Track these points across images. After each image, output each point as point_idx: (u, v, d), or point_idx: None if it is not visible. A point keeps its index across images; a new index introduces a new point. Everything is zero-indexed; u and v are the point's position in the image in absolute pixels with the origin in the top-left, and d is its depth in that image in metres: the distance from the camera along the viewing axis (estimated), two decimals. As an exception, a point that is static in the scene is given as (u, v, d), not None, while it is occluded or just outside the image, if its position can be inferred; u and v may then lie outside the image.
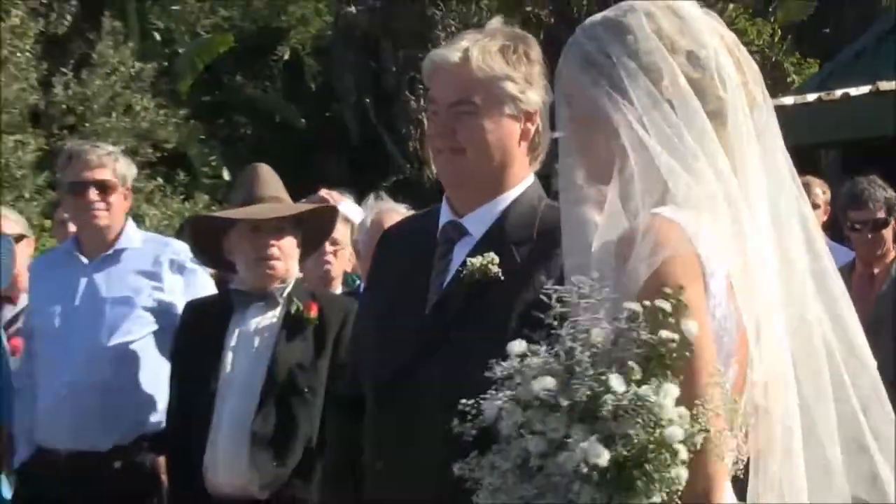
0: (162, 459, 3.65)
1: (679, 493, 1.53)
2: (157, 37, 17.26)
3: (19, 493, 3.95)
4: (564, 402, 1.51)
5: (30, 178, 10.84)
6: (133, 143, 12.51)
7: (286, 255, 3.39)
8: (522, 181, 2.47)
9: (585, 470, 1.48)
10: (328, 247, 3.97)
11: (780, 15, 18.26)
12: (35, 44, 12.69)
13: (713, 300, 1.64)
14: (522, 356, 1.57)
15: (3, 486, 4.02)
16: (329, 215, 3.60)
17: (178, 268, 3.81)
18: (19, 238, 4.65)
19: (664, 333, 1.52)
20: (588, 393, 1.51)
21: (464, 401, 1.60)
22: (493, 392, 1.57)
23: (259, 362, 3.33)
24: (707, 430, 1.52)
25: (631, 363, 1.52)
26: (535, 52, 2.45)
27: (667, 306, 1.53)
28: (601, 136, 1.76)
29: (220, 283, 4.09)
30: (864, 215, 5.01)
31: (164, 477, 3.65)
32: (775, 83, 16.37)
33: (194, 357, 3.43)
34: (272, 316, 3.39)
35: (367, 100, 17.12)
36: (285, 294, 3.40)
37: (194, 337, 3.46)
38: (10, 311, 4.61)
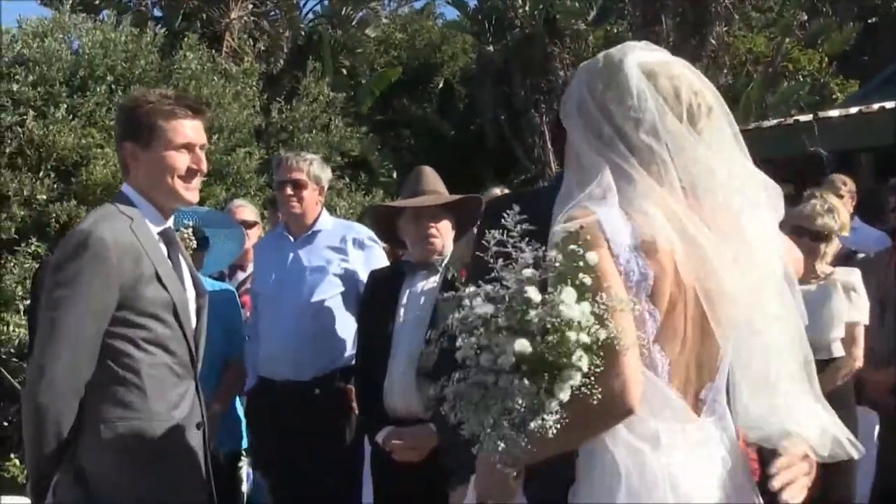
0: (350, 388, 3.66)
1: (593, 385, 1.49)
2: (345, 72, 17.51)
3: (248, 411, 4.04)
4: (502, 323, 1.52)
5: (254, 179, 11.10)
6: (327, 152, 12.70)
7: (443, 234, 3.36)
8: None
9: (514, 360, 1.49)
10: None
11: (826, 45, 17.42)
12: (258, 80, 13.01)
13: (616, 258, 1.61)
14: (472, 295, 1.58)
15: (238, 405, 4.12)
16: (476, 204, 3.54)
17: (360, 244, 3.82)
18: (253, 224, 4.78)
19: (569, 262, 1.55)
20: (517, 307, 1.52)
21: (430, 331, 1.65)
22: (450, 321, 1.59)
23: (423, 315, 3.30)
24: (606, 326, 1.51)
25: (549, 288, 1.54)
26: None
27: (576, 247, 1.56)
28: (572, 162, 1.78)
29: (391, 256, 4.08)
30: None
31: (352, 401, 3.66)
32: (823, 100, 15.60)
33: (377, 312, 3.43)
34: (433, 281, 3.36)
35: (502, 116, 17.01)
36: (443, 264, 3.37)
37: (376, 297, 3.47)
38: (241, 276, 4.73)
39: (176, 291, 2.42)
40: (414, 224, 3.35)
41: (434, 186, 3.44)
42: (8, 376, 6.73)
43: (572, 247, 1.56)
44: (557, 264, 1.56)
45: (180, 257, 2.56)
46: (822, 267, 4.20)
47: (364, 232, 3.89)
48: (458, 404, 1.57)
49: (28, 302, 6.85)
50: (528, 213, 1.60)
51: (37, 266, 6.88)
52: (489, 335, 1.53)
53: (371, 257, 3.82)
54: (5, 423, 7.95)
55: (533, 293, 1.52)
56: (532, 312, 1.51)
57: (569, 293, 1.51)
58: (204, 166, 2.49)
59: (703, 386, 1.72)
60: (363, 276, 3.70)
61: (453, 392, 1.58)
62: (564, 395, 1.50)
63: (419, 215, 3.34)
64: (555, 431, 1.51)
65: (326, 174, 3.96)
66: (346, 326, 3.73)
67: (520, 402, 1.50)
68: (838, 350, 4.09)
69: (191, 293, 2.54)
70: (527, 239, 1.58)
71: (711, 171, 1.72)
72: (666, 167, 1.70)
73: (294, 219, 3.85)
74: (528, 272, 1.55)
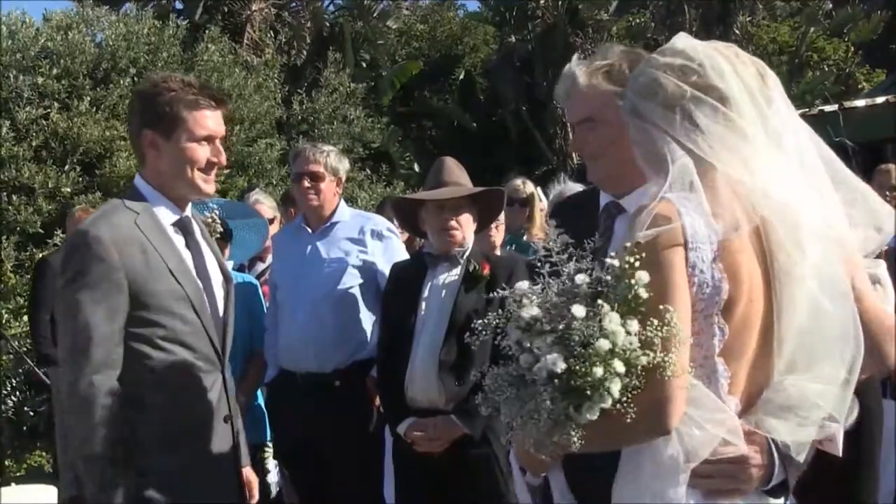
0: (372, 379, 3.65)
1: (629, 405, 1.49)
2: (366, 64, 17.52)
3: (268, 402, 4.05)
4: (547, 328, 1.54)
5: (276, 170, 11.15)
6: (348, 143, 12.74)
7: (464, 226, 3.34)
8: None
9: (545, 375, 1.50)
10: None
11: (853, 35, 17.20)
12: (280, 72, 13.06)
13: (692, 269, 1.57)
14: (524, 294, 1.59)
15: (259, 396, 4.14)
16: (497, 197, 3.52)
17: (378, 236, 3.80)
18: (271, 220, 4.79)
19: (631, 278, 1.53)
20: (563, 321, 1.53)
21: (476, 321, 1.63)
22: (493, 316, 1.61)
23: (445, 307, 3.30)
24: (649, 353, 1.50)
25: (600, 301, 1.53)
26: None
27: (631, 260, 1.54)
28: (643, 153, 1.79)
29: (408, 246, 4.08)
30: None
31: (373, 393, 3.65)
32: (849, 90, 15.41)
33: (399, 304, 3.42)
34: (455, 273, 3.35)
35: (524, 108, 16.95)
36: (464, 256, 3.35)
37: (399, 289, 3.46)
38: (260, 267, 4.75)
39: (190, 284, 2.38)
40: (435, 216, 3.34)
41: (456, 178, 3.42)
42: (36, 369, 6.80)
43: (630, 259, 1.54)
44: (610, 278, 1.55)
45: (203, 245, 2.52)
46: None
47: (382, 223, 3.88)
48: (489, 396, 1.60)
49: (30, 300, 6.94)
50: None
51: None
52: (532, 337, 1.55)
53: (389, 248, 3.80)
54: (31, 414, 8.07)
55: (577, 310, 1.52)
56: (576, 326, 1.52)
57: (612, 319, 1.51)
58: (223, 159, 2.47)
59: (759, 396, 1.71)
60: (382, 268, 3.69)
61: (489, 384, 1.61)
62: (593, 416, 1.51)
63: (440, 207, 3.32)
64: (578, 447, 1.53)
65: (344, 165, 3.92)
66: (366, 318, 3.72)
67: (545, 413, 1.51)
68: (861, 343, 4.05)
69: (217, 281, 2.51)
70: (574, 252, 1.58)
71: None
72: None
73: (312, 211, 3.83)
74: (580, 278, 1.56)
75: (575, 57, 2.29)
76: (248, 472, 2.65)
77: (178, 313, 2.34)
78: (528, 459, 1.86)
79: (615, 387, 1.49)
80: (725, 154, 1.68)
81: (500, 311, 1.61)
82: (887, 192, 5.07)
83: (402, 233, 4.05)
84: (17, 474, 7.11)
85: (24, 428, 7.97)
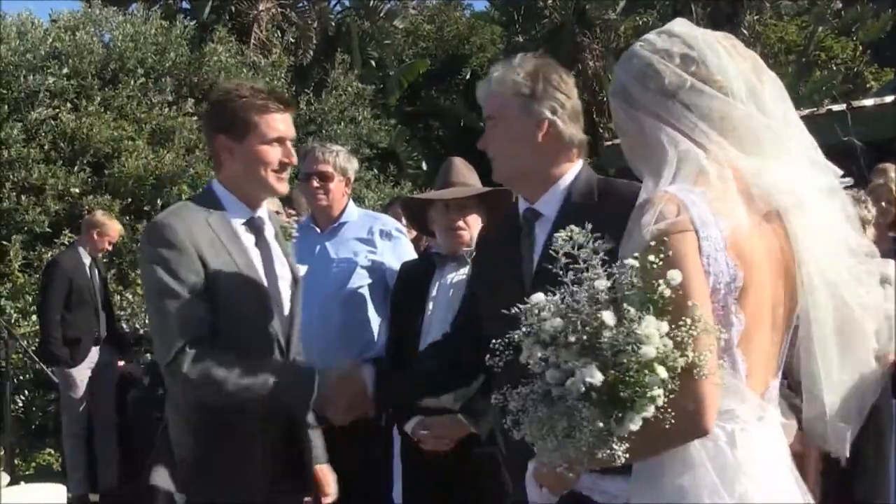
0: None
1: (667, 410, 1.44)
2: (373, 64, 17.53)
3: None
4: (572, 339, 1.44)
5: (284, 170, 11.16)
6: (356, 144, 12.75)
7: (471, 226, 3.34)
8: (572, 169, 2.36)
9: (583, 389, 1.41)
10: None
11: (861, 33, 17.12)
12: (287, 72, 13.08)
13: (707, 258, 1.54)
14: (539, 304, 1.50)
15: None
16: (505, 197, 3.52)
17: (387, 235, 3.82)
18: (276, 213, 4.78)
19: (650, 282, 1.47)
20: (589, 330, 1.43)
21: (494, 340, 1.54)
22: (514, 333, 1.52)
23: (452, 307, 3.28)
24: (686, 355, 1.43)
25: (626, 305, 1.45)
26: (553, 71, 2.35)
27: (656, 260, 1.48)
28: (631, 140, 1.76)
29: (415, 245, 4.08)
30: None
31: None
32: (856, 89, 15.36)
33: (407, 304, 3.43)
34: (462, 273, 3.34)
35: (530, 107, 16.89)
36: (472, 256, 3.36)
37: (407, 289, 3.47)
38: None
39: (255, 281, 2.47)
40: (442, 216, 3.35)
41: (464, 178, 3.42)
42: (44, 367, 6.84)
43: (652, 258, 1.48)
44: (636, 280, 1.47)
45: (273, 245, 2.62)
46: None
47: (391, 223, 3.89)
48: (521, 419, 1.51)
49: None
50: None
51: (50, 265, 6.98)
52: (557, 351, 1.46)
53: (398, 248, 3.81)
54: (40, 413, 8.11)
55: (607, 316, 1.44)
56: (606, 335, 1.44)
57: (649, 323, 1.44)
58: (294, 159, 2.58)
59: (770, 380, 1.72)
60: (390, 268, 3.70)
61: (517, 406, 1.52)
62: (636, 426, 1.45)
63: (447, 207, 3.33)
64: (623, 460, 1.46)
65: (353, 165, 3.94)
66: (374, 318, 3.74)
67: (587, 430, 1.43)
68: (871, 343, 4.03)
69: (284, 280, 2.59)
70: (600, 254, 1.51)
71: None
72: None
73: (321, 211, 3.84)
74: (601, 284, 1.48)
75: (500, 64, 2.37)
76: (324, 469, 2.78)
77: (241, 310, 2.43)
78: (554, 479, 1.77)
79: (659, 393, 1.43)
80: (726, 143, 1.67)
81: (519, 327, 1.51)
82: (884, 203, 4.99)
83: (409, 231, 4.06)
84: (26, 473, 7.15)
85: (33, 427, 8.01)
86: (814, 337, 1.71)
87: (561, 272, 1.52)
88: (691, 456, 1.60)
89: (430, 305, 3.35)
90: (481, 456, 3.23)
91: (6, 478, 5.30)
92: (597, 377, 1.41)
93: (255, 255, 2.52)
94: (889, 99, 9.19)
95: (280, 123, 2.52)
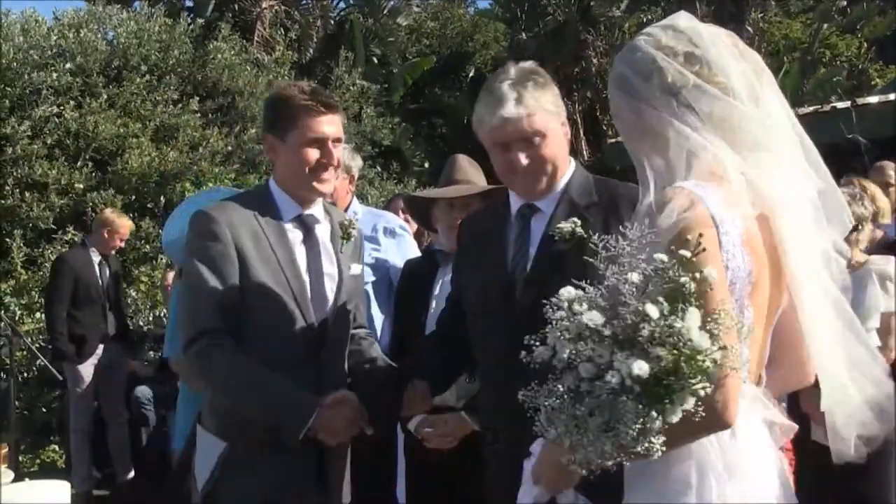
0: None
1: (702, 405, 1.45)
2: (377, 61, 17.52)
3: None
4: (608, 332, 1.44)
5: (287, 168, 11.14)
6: (359, 142, 12.74)
7: (474, 224, 3.35)
8: (569, 167, 2.49)
9: (629, 382, 1.40)
10: None
11: (866, 31, 17.07)
12: (290, 69, 13.07)
13: (726, 253, 1.55)
14: (572, 300, 1.50)
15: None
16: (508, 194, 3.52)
17: (390, 233, 3.82)
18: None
19: (687, 276, 1.45)
20: (629, 322, 1.43)
21: (528, 336, 1.53)
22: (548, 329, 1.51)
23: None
24: (724, 347, 1.44)
25: (660, 298, 1.44)
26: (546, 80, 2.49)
27: (688, 254, 1.47)
28: (636, 135, 1.73)
29: (417, 240, 4.09)
30: None
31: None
32: (861, 86, 15.32)
33: (410, 301, 3.45)
34: (464, 271, 3.36)
35: (534, 105, 16.87)
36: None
37: (411, 287, 3.49)
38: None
39: (295, 277, 2.50)
40: (445, 214, 3.35)
41: (467, 176, 3.42)
42: (48, 364, 6.85)
43: (685, 253, 1.48)
44: (672, 273, 1.46)
45: (324, 242, 2.64)
46: (857, 255, 4.12)
47: (395, 221, 3.90)
48: (555, 418, 1.49)
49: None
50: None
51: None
52: (597, 344, 1.45)
53: (402, 246, 3.82)
54: (45, 410, 8.12)
55: (651, 309, 1.43)
56: (647, 328, 1.44)
57: (693, 316, 1.44)
58: (335, 160, 2.61)
59: (762, 373, 1.74)
60: (394, 265, 3.70)
61: (550, 405, 1.50)
62: (676, 418, 1.45)
63: (450, 205, 3.33)
64: (661, 454, 1.46)
65: (357, 163, 3.95)
66: (378, 315, 3.74)
67: (628, 424, 1.43)
68: (874, 341, 4.03)
69: (330, 277, 2.61)
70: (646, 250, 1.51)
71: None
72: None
73: (328, 207, 3.85)
74: (635, 277, 1.47)
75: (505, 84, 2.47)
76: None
77: (276, 303, 2.46)
78: (556, 475, 1.74)
79: (705, 385, 1.43)
80: (725, 144, 1.67)
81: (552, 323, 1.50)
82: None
83: (410, 224, 4.06)
84: (31, 469, 7.16)
85: (38, 424, 8.02)
86: (812, 333, 1.72)
87: (597, 263, 1.52)
88: (695, 448, 1.61)
89: (434, 303, 3.35)
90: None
91: (10, 474, 5.31)
92: (645, 369, 1.41)
93: (301, 251, 2.56)
94: (893, 96, 9.20)
95: (321, 125, 2.56)
